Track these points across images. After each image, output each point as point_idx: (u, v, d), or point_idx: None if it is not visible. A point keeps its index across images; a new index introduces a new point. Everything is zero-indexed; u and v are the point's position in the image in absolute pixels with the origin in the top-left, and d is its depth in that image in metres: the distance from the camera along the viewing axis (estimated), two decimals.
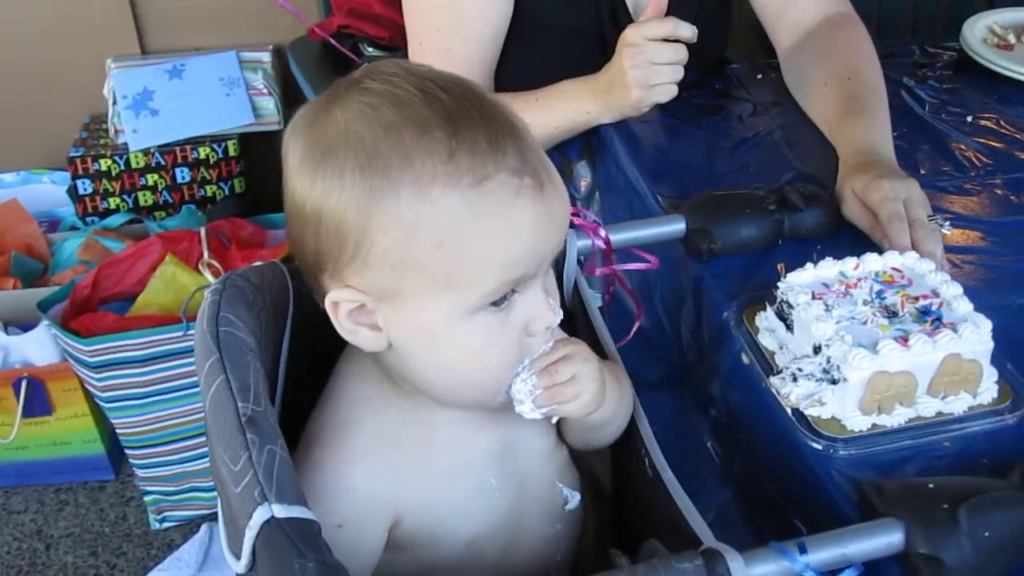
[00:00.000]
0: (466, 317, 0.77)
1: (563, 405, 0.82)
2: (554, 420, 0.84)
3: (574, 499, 0.93)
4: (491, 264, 0.75)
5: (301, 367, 0.90)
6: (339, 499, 0.79)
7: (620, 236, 1.09)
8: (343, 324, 0.79)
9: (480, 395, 0.81)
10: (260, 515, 0.68)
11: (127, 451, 1.93)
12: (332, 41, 2.03)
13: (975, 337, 0.90)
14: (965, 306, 0.94)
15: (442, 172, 0.73)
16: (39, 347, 1.90)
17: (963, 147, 1.37)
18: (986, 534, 0.77)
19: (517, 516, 0.89)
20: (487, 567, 0.87)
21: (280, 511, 0.69)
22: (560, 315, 0.82)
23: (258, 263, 0.89)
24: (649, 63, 1.30)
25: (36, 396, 1.92)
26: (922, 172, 1.31)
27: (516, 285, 0.77)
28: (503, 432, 0.88)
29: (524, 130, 0.78)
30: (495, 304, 0.77)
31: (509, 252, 0.75)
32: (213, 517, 1.97)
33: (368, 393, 0.84)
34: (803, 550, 0.75)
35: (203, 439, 1.88)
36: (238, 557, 0.71)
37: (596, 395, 0.84)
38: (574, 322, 1.00)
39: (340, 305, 0.78)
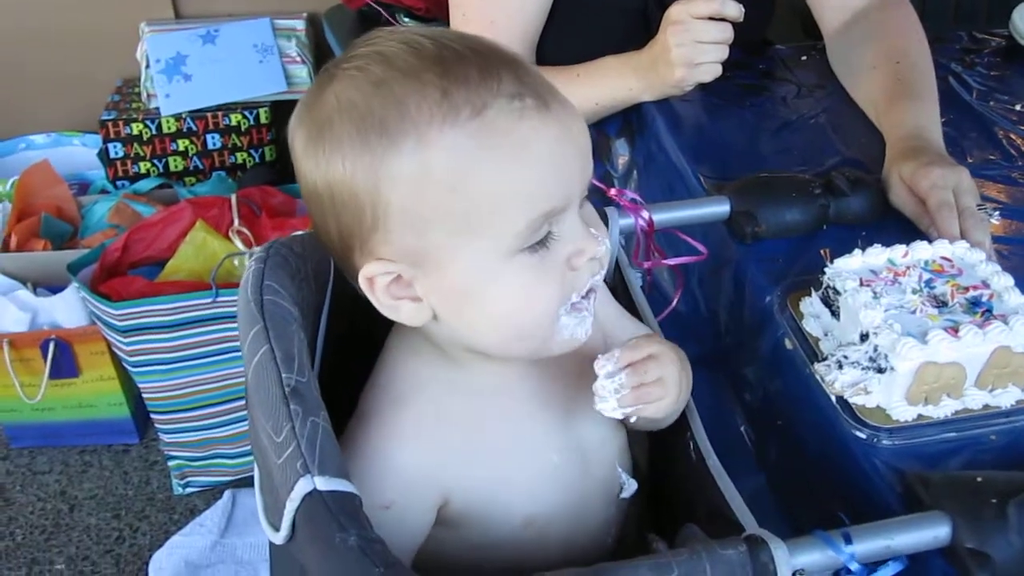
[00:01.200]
0: (503, 263, 0.73)
1: (647, 407, 0.79)
2: (632, 420, 0.81)
3: (631, 486, 0.90)
4: (512, 199, 0.72)
5: (340, 341, 0.89)
6: (386, 479, 0.77)
7: (663, 216, 1.08)
8: (382, 301, 0.77)
9: (534, 342, 0.78)
10: (302, 487, 0.68)
11: (152, 416, 1.93)
12: (375, 6, 2.01)
13: None
14: (1017, 298, 0.92)
15: (438, 112, 0.70)
16: (68, 309, 1.90)
17: (1011, 135, 1.35)
18: None
19: (580, 496, 0.86)
20: (546, 549, 0.84)
21: (322, 483, 0.68)
22: (606, 244, 0.78)
23: (299, 232, 0.88)
24: (694, 41, 1.28)
25: (63, 358, 1.92)
26: (969, 160, 1.29)
27: (548, 221, 0.74)
28: (563, 404, 0.85)
29: (521, 59, 0.75)
30: (532, 248, 0.74)
31: (528, 182, 0.72)
32: (237, 484, 1.97)
33: (418, 370, 0.82)
34: (848, 540, 0.74)
35: (229, 406, 1.89)
36: (277, 528, 0.70)
37: (677, 400, 0.82)
38: (615, 300, 0.98)
39: (375, 280, 0.76)
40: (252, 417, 0.77)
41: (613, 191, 1.02)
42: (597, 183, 1.00)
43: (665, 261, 1.05)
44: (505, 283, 0.75)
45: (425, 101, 0.70)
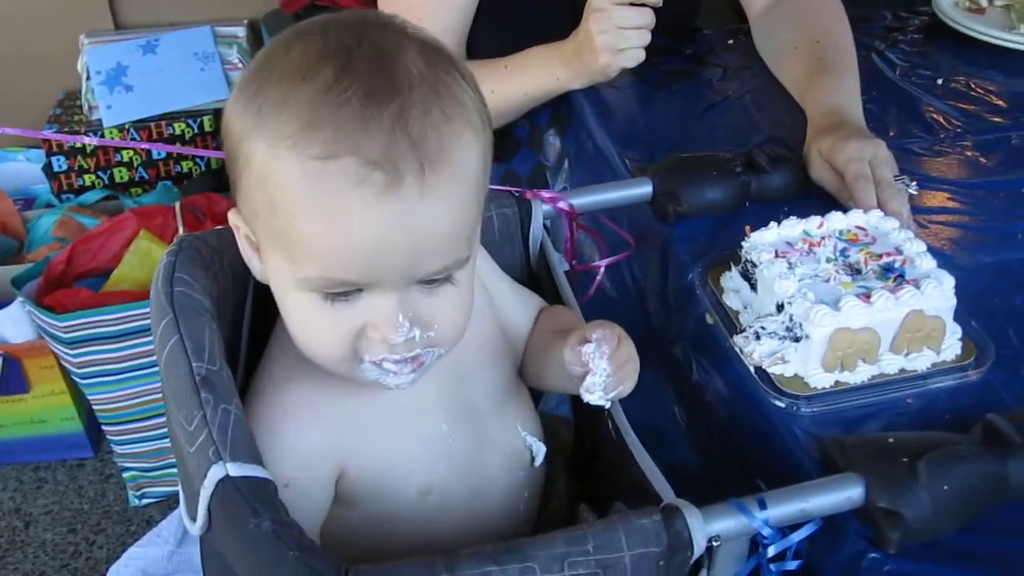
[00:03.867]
0: (297, 287, 0.74)
1: (626, 385, 0.80)
2: (608, 406, 0.81)
3: (540, 452, 0.90)
4: (315, 252, 0.70)
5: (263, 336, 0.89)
6: (284, 457, 0.77)
7: (587, 199, 1.08)
8: (243, 246, 0.80)
9: (331, 367, 0.77)
10: (215, 474, 0.68)
11: (104, 427, 1.92)
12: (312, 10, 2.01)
13: (938, 293, 0.90)
14: (928, 263, 0.94)
15: (297, 134, 0.68)
16: (14, 324, 1.88)
17: (933, 110, 1.37)
18: (945, 487, 0.77)
19: (478, 464, 0.86)
20: (449, 519, 0.85)
21: (235, 469, 0.68)
22: (403, 336, 0.74)
23: (219, 227, 0.89)
24: (616, 28, 1.29)
25: (12, 374, 1.90)
26: (892, 135, 1.31)
27: (347, 288, 0.72)
28: (450, 371, 0.84)
29: (449, 115, 0.70)
30: (326, 296, 0.73)
31: (330, 247, 0.70)
32: None
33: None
34: (763, 506, 0.75)
35: None
36: (194, 519, 0.71)
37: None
38: (539, 286, 0.99)
39: (239, 229, 0.79)
40: (167, 409, 0.77)
41: (528, 193, 1.02)
42: (498, 187, 1.02)
43: (593, 264, 1.06)
44: (294, 306, 0.76)
45: (297, 118, 0.69)
